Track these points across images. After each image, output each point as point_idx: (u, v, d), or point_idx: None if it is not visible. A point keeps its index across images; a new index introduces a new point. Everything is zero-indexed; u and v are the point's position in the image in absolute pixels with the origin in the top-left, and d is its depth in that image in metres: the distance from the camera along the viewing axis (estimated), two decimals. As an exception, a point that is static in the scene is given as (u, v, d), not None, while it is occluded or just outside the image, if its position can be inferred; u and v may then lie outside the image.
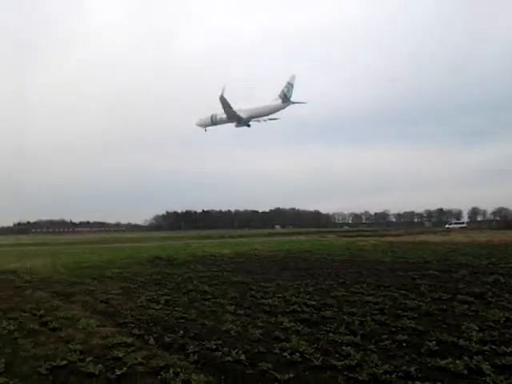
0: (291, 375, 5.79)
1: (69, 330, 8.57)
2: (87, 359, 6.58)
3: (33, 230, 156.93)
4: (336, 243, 41.18)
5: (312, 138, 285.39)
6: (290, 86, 47.94)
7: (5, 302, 12.04)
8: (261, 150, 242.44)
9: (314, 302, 10.91)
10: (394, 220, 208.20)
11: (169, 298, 12.20)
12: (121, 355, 6.76)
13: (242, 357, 6.61)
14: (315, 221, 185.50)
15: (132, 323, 9.19)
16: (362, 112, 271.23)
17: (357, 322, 8.76)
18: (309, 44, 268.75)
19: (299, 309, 10.27)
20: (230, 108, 48.11)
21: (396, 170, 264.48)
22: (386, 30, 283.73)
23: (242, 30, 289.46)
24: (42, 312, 10.35)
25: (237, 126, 50.78)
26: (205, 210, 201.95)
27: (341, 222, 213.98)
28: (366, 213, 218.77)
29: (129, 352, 6.94)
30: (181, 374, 5.80)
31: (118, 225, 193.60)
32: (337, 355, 6.67)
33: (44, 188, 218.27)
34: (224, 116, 50.29)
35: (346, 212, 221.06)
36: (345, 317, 9.27)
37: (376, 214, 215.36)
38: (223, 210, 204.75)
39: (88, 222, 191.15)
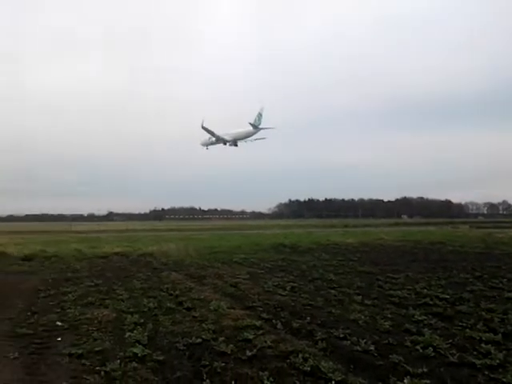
0: (425, 370, 5.62)
1: (202, 310, 9.23)
2: (220, 339, 7.07)
3: (166, 217, 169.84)
4: (470, 234, 38.40)
5: (445, 123, 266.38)
6: (260, 115, 58.88)
7: (144, 282, 13.34)
8: (386, 137, 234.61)
9: (447, 296, 10.42)
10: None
11: (294, 284, 12.50)
12: (250, 337, 7.12)
13: (372, 347, 6.57)
14: (445, 211, 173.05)
15: (260, 307, 9.61)
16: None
17: (497, 320, 8.18)
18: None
19: (431, 302, 9.89)
20: (214, 134, 60.08)
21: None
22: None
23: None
24: (177, 292, 11.32)
25: (226, 145, 61.73)
26: (327, 198, 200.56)
27: (474, 212, 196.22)
28: (504, 202, 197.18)
29: (258, 335, 7.28)
30: (309, 360, 5.95)
31: (242, 212, 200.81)
32: (475, 353, 6.32)
33: (177, 177, 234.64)
34: (214, 139, 62.15)
35: (480, 202, 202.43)
36: (483, 313, 8.73)
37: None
38: (346, 198, 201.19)
39: (216, 210, 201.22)
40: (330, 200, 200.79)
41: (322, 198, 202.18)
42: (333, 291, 11.46)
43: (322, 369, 5.62)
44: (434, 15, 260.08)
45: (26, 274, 16.09)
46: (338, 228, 60.60)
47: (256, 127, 59.63)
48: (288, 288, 11.92)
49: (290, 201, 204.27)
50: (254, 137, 61.53)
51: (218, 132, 62.03)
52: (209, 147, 65.87)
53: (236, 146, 61.20)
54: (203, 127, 60.21)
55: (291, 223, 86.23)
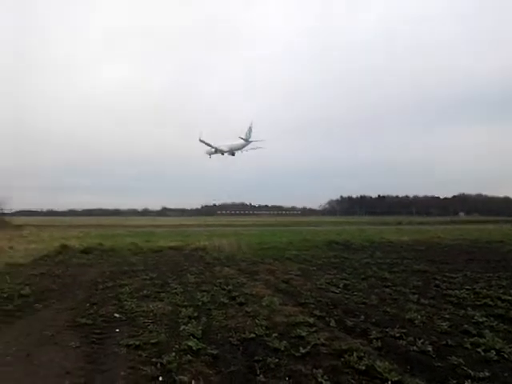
0: (487, 374, 5.37)
1: (254, 305, 9.28)
2: (273, 335, 7.08)
3: (218, 212, 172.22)
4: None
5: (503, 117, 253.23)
6: (250, 129, 63.94)
7: (198, 276, 13.57)
8: (441, 133, 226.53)
9: (509, 297, 9.91)
10: None
11: (347, 282, 12.33)
12: (304, 334, 7.08)
13: (429, 348, 6.37)
14: (505, 208, 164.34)
15: (313, 304, 9.54)
16: None
17: None
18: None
19: (492, 303, 9.46)
20: (211, 146, 65.48)
21: None
22: None
23: None
24: (230, 287, 11.44)
25: (223, 155, 66.77)
26: (380, 195, 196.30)
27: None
28: None
29: (311, 332, 7.23)
30: (364, 359, 5.84)
31: (293, 209, 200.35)
32: (544, 359, 5.96)
33: (229, 173, 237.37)
34: (213, 150, 67.26)
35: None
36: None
37: None
38: (400, 195, 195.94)
39: (266, 206, 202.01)
40: (383, 197, 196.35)
41: (374, 195, 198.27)
42: (387, 290, 11.20)
43: (378, 368, 5.49)
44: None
45: (85, 267, 16.77)
46: (392, 225, 59.18)
47: (246, 141, 65.45)
48: (341, 285, 11.76)
49: (341, 197, 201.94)
50: (248, 147, 67.18)
51: (215, 144, 68.30)
52: (211, 156, 71.59)
53: (233, 155, 66.87)
54: (200, 140, 66.32)
55: (343, 220, 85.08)
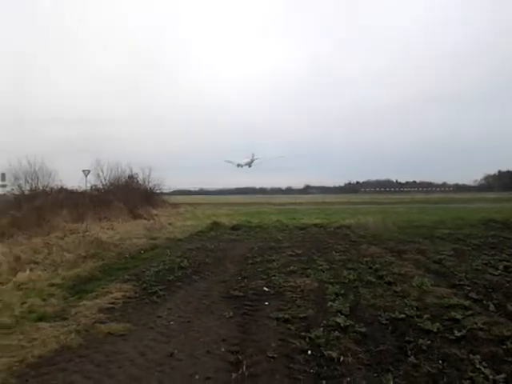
0: None
1: (403, 285, 8.98)
2: (424, 316, 6.78)
3: (362, 189, 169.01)
4: None
5: None
6: (253, 155, 66.74)
7: (343, 254, 13.56)
8: None
9: None
10: None
11: (508, 264, 11.21)
12: (458, 317, 6.67)
13: None
14: None
15: (468, 286, 8.91)
16: None
17: None
18: None
19: None
20: (233, 162, 68.66)
21: None
22: None
23: None
24: (377, 266, 11.22)
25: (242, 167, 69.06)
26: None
27: None
28: None
29: (467, 315, 6.77)
30: (530, 349, 5.31)
31: (444, 185, 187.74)
32: None
33: (372, 149, 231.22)
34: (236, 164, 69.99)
35: None
36: None
37: None
38: None
39: (414, 182, 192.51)
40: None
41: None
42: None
43: (548, 359, 4.97)
44: None
45: (234, 242, 17.84)
46: None
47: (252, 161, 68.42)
48: (500, 267, 10.74)
49: (499, 172, 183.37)
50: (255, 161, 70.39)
51: (237, 161, 72.13)
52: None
53: (250, 167, 69.60)
54: (225, 161, 72.10)
55: (502, 197, 77.40)
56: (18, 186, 23.52)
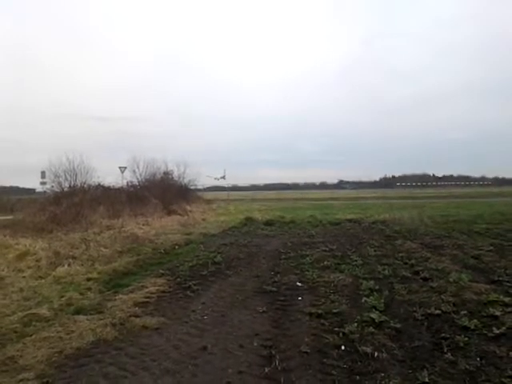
0: None
1: (440, 281, 8.78)
2: (461, 312, 6.63)
3: (397, 184, 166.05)
4: None
5: None
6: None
7: (378, 249, 13.38)
8: None
9: None
10: None
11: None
12: (497, 314, 6.47)
13: None
14: None
15: (508, 282, 8.65)
16: None
17: None
18: None
19: None
20: (212, 177, 69.05)
21: None
22: None
23: None
24: (412, 261, 11.02)
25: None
26: None
27: None
28: None
29: (506, 312, 6.58)
30: None
31: (482, 178, 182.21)
32: None
33: (408, 142, 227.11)
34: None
35: None
36: None
37: None
38: None
39: (451, 176, 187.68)
40: None
41: None
42: None
43: None
44: None
45: (267, 238, 17.84)
46: None
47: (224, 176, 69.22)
48: (543, 264, 10.43)
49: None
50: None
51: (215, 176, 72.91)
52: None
53: (224, 179, 71.73)
54: (207, 176, 73.64)
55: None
56: (58, 183, 24.06)
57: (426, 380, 4.47)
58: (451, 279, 8.82)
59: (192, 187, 43.38)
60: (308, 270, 10.36)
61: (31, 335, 6.23)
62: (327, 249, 13.71)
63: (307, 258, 11.95)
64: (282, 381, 4.62)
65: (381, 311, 6.84)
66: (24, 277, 10.33)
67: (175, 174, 40.25)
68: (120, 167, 33.42)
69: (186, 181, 41.27)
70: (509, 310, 6.71)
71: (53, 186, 24.46)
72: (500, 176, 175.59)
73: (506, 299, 7.26)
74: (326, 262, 11.24)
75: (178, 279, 9.95)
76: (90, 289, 9.23)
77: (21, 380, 4.75)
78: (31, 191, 42.79)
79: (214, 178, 78.67)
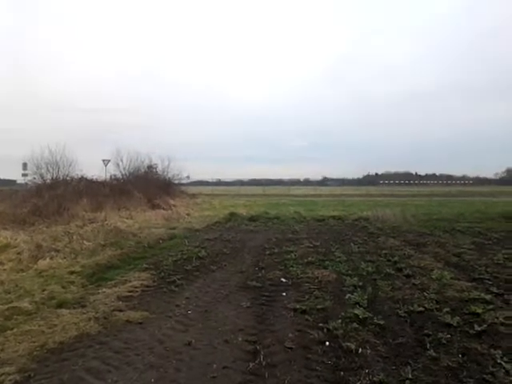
0: None
1: (422, 278, 8.89)
2: (444, 309, 6.70)
3: (381, 182, 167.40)
4: None
5: None
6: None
7: (361, 246, 13.49)
8: None
9: None
10: None
11: (531, 258, 11.04)
12: (479, 311, 6.56)
13: None
14: None
15: (489, 280, 8.79)
16: None
17: None
18: None
19: None
20: None
21: None
22: None
23: None
24: (395, 258, 11.12)
25: None
26: None
27: None
28: None
29: (487, 309, 6.67)
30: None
31: (464, 178, 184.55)
32: None
33: (392, 139, 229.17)
34: None
35: None
36: None
37: None
38: None
39: (434, 175, 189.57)
40: None
41: None
42: None
43: None
44: None
45: (252, 233, 17.85)
46: None
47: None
48: (524, 262, 10.61)
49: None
50: None
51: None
52: None
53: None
54: None
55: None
56: (40, 175, 23.74)
57: (410, 376, 4.51)
58: (434, 276, 8.93)
59: (176, 181, 43.23)
60: (292, 266, 10.38)
61: (12, 329, 6.12)
62: (311, 245, 13.75)
63: (291, 254, 11.97)
64: (267, 376, 4.62)
65: (364, 308, 6.88)
66: (5, 270, 10.17)
67: (159, 168, 40.09)
68: (103, 160, 33.12)
69: (170, 175, 41.12)
70: (490, 307, 6.80)
71: (35, 178, 24.17)
72: (481, 175, 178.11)
73: (487, 297, 7.38)
74: (310, 258, 11.27)
75: (162, 274, 9.88)
76: (72, 282, 9.11)
77: (2, 374, 4.66)
78: (12, 182, 42.27)
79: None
